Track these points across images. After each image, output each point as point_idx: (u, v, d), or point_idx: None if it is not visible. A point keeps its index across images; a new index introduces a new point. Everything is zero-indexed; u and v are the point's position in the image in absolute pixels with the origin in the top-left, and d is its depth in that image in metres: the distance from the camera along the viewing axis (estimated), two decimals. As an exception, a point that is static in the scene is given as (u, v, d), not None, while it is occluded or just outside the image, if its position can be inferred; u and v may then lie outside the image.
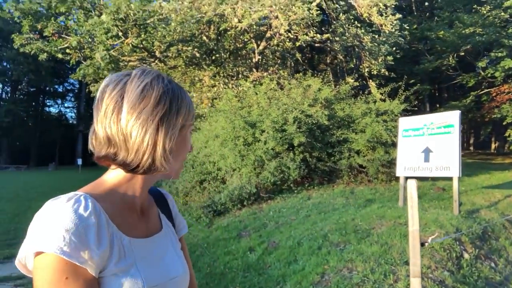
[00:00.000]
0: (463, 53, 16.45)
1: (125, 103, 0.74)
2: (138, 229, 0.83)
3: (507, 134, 13.41)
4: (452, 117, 6.05)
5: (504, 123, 13.66)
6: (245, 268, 4.73)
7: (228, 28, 9.07)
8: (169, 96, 0.77)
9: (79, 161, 29.37)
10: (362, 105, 9.22)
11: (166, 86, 0.78)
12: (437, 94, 30.00)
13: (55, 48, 10.23)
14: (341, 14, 10.04)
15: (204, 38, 10.41)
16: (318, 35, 8.60)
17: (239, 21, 8.04)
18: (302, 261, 4.58)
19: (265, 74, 10.14)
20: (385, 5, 9.11)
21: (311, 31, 8.56)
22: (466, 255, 4.40)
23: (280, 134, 7.97)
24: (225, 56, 11.00)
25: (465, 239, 4.71)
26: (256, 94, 8.82)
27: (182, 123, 0.80)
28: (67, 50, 10.24)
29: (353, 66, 11.71)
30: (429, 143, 6.33)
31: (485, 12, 14.70)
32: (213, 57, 11.27)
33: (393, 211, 5.90)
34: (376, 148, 8.76)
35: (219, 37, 10.63)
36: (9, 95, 33.44)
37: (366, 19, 9.48)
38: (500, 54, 14.09)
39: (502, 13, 14.54)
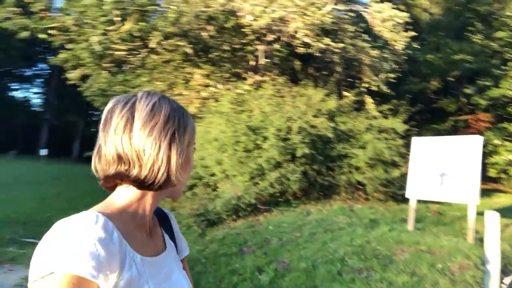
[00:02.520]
0: (451, 78, 16.73)
1: (136, 121, 0.76)
2: (148, 248, 0.83)
3: (489, 162, 13.64)
4: (473, 142, 5.81)
5: (485, 151, 13.96)
6: (259, 292, 4.21)
7: (235, 26, 8.53)
8: (176, 114, 0.81)
9: (42, 151, 27.45)
10: (364, 120, 8.94)
11: (172, 106, 0.82)
12: (416, 116, 30.72)
13: (41, 27, 9.29)
14: (349, 25, 9.75)
15: (203, 34, 9.81)
16: (333, 43, 8.24)
17: (255, 19, 7.51)
18: (323, 288, 4.12)
19: (266, 78, 9.66)
20: (397, 22, 8.92)
21: (325, 39, 8.20)
22: (500, 292, 4.09)
23: (283, 143, 7.52)
24: (223, 55, 10.43)
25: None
26: (260, 98, 8.33)
27: (188, 140, 0.83)
28: (52, 31, 9.31)
29: (351, 80, 11.48)
30: (446, 166, 6.04)
31: (475, 40, 15.00)
32: (210, 56, 10.69)
33: (408, 236, 5.57)
34: (376, 166, 8.49)
35: (218, 35, 10.06)
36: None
37: (377, 33, 9.27)
38: (487, 83, 14.42)
39: (491, 43, 14.91)
